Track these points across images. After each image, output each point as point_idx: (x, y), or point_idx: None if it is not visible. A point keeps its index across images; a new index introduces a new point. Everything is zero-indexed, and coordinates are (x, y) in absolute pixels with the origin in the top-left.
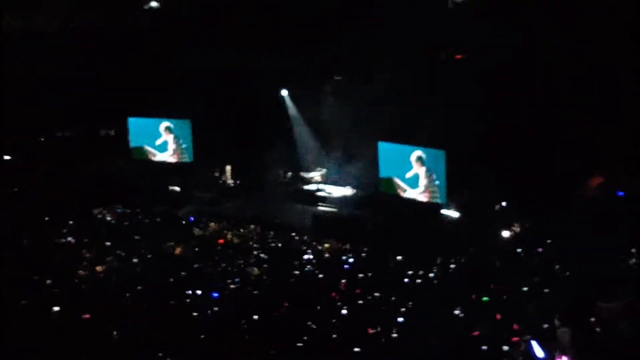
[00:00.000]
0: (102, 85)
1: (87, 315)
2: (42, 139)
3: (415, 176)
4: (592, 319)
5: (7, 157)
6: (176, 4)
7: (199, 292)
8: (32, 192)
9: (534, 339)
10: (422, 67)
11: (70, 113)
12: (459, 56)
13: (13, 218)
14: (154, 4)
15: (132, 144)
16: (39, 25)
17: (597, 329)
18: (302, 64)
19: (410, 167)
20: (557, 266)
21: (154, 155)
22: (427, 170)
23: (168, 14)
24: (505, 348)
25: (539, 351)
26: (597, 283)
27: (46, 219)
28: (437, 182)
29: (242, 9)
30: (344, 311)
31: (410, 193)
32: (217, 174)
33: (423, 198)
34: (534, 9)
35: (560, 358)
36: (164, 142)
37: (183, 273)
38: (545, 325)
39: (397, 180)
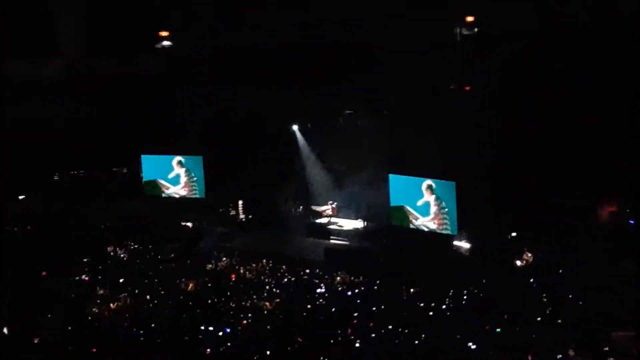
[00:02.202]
0: (116, 126)
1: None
2: (56, 178)
3: (425, 204)
4: (606, 349)
5: (21, 197)
6: (188, 44)
7: (211, 327)
8: (46, 230)
9: None
10: (431, 100)
11: (85, 153)
12: (468, 87)
13: (28, 256)
14: (166, 43)
15: (145, 178)
16: (55, 70)
17: (612, 359)
18: (312, 99)
19: (420, 196)
20: (570, 296)
21: (167, 188)
22: (437, 199)
23: (180, 53)
24: None
25: None
26: (611, 313)
27: (60, 256)
28: (446, 210)
29: (252, 47)
30: (357, 344)
31: (421, 221)
32: (229, 209)
33: (433, 226)
34: (542, 39)
35: None
36: (176, 176)
37: (196, 309)
38: (560, 356)
39: (408, 208)
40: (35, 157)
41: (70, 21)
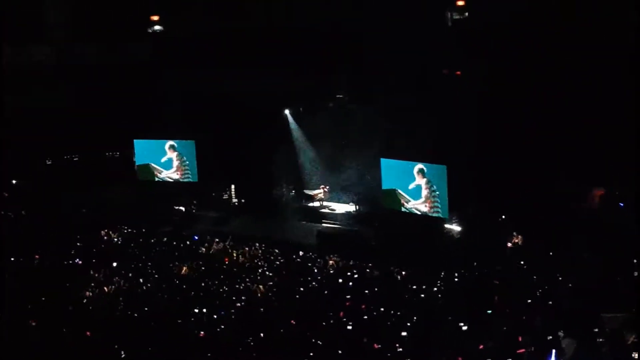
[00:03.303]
0: (108, 111)
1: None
2: (50, 163)
3: (417, 187)
4: (596, 330)
5: (15, 182)
6: (180, 28)
7: (205, 310)
8: (40, 214)
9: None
10: (423, 84)
11: (77, 139)
12: (459, 72)
13: (22, 240)
14: (158, 27)
15: (138, 162)
16: (46, 56)
17: (601, 340)
18: (304, 84)
19: (412, 180)
20: (560, 278)
21: (159, 172)
22: (428, 182)
23: (172, 38)
24: None
25: None
26: (601, 294)
27: (54, 240)
28: (437, 193)
29: (244, 31)
30: (349, 327)
31: (412, 204)
32: (221, 193)
33: (424, 209)
34: (534, 24)
35: None
36: (168, 160)
37: (190, 293)
38: (550, 337)
39: (400, 192)
40: (28, 142)
41: (61, 8)
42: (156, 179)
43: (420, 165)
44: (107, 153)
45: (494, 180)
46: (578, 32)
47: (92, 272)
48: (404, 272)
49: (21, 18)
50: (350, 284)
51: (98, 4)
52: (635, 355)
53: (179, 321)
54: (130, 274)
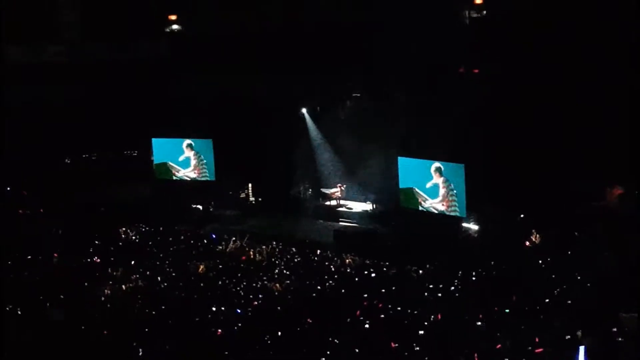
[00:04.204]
0: (126, 110)
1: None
2: (68, 162)
3: (434, 186)
4: (615, 330)
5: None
6: (197, 26)
7: (222, 308)
8: (59, 213)
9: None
10: (440, 82)
11: (97, 137)
12: (476, 70)
13: (40, 239)
14: (175, 26)
15: (156, 161)
16: (62, 55)
17: (620, 339)
18: (321, 83)
19: (429, 178)
20: (579, 277)
21: (177, 171)
22: (446, 181)
23: (189, 37)
24: None
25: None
26: (619, 294)
27: (72, 239)
28: (455, 192)
29: (262, 32)
30: (367, 326)
31: (429, 203)
32: (239, 192)
33: (442, 207)
34: (552, 22)
35: None
36: (186, 158)
37: (207, 291)
38: (568, 337)
39: (417, 190)
40: (47, 141)
41: (75, 6)
42: (174, 178)
43: (437, 164)
44: (125, 152)
45: (511, 178)
46: (592, 29)
47: (110, 271)
48: (421, 271)
49: (35, 17)
50: (367, 282)
51: (114, 3)
52: None
53: (196, 319)
54: (147, 272)
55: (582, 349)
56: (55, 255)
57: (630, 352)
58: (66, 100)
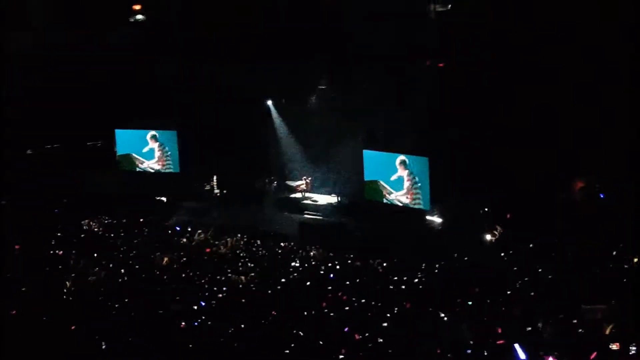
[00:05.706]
0: (90, 100)
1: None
2: (30, 152)
3: (399, 179)
4: (575, 321)
5: None
6: (162, 17)
7: (186, 301)
8: (20, 204)
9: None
10: (405, 75)
11: (58, 127)
12: (441, 64)
13: (2, 231)
14: (139, 16)
15: (119, 152)
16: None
17: (581, 331)
18: (286, 75)
19: (394, 171)
20: (540, 269)
21: (141, 162)
22: (410, 173)
23: (154, 27)
24: None
25: (521, 354)
26: (580, 286)
27: (34, 231)
28: (419, 185)
29: (226, 22)
30: (331, 317)
31: (394, 195)
32: (203, 184)
33: (406, 200)
34: (518, 16)
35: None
36: (150, 150)
37: (171, 283)
38: (529, 329)
39: (382, 183)
40: (7, 131)
41: None
42: (137, 169)
43: (402, 157)
44: (88, 143)
45: (475, 172)
46: (561, 23)
47: (72, 263)
48: (385, 264)
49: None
50: (332, 275)
51: None
52: (614, 346)
53: (160, 312)
54: (110, 265)
55: (517, 346)
56: (17, 247)
57: (591, 343)
58: (26, 89)
